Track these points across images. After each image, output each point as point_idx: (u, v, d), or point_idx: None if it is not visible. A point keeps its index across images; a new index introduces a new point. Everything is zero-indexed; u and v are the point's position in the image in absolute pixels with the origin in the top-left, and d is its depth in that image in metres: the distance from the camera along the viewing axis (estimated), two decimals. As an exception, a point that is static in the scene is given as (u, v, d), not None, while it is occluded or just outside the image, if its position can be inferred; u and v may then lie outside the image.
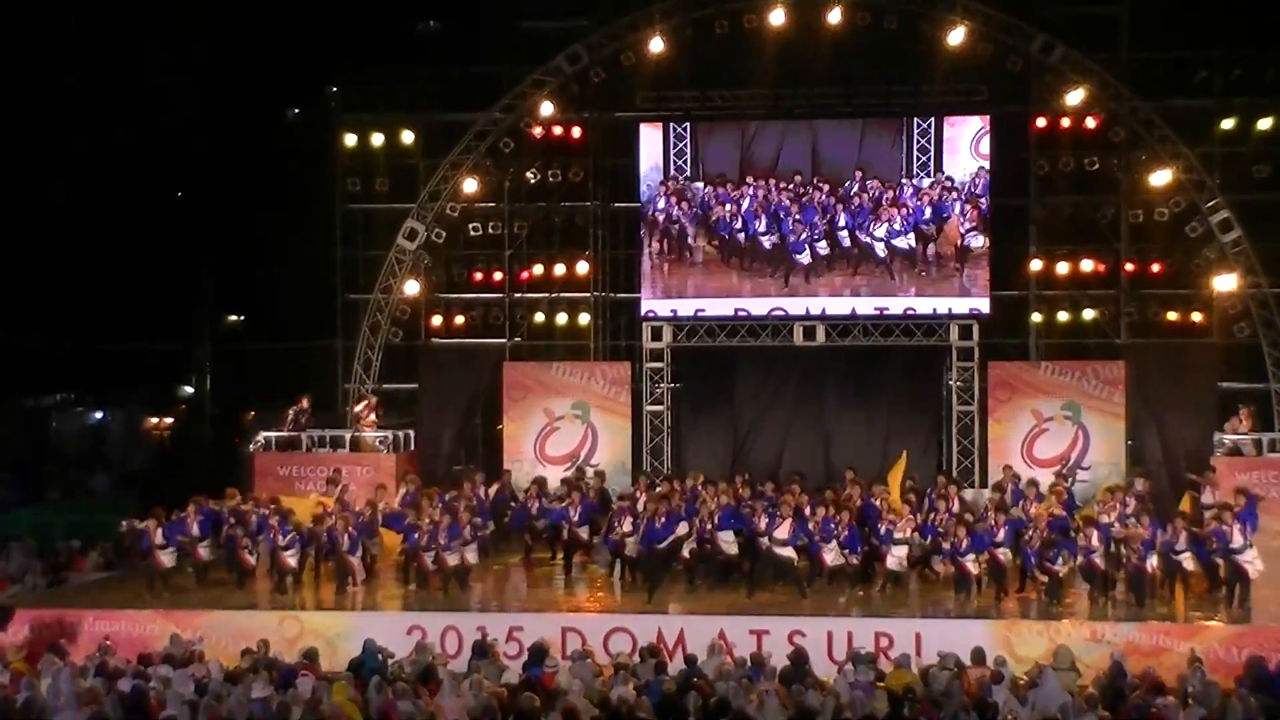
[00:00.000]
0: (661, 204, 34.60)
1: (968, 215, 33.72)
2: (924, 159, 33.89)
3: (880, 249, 33.95)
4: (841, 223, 33.96)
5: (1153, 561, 25.27)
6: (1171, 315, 34.23)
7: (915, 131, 33.91)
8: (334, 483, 30.75)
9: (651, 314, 34.99)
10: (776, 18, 32.63)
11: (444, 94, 35.57)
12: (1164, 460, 32.73)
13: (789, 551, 26.52)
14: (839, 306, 34.22)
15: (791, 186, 34.16)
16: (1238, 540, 25.14)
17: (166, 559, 27.22)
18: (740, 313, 34.55)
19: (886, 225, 33.83)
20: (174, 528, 27.42)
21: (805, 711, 17.99)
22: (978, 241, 33.82)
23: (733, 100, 35.29)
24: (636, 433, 34.97)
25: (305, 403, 33.91)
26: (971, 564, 25.78)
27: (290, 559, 27.28)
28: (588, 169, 35.80)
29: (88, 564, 31.18)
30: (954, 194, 33.75)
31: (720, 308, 34.69)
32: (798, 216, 34.02)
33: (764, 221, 34.15)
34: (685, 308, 34.80)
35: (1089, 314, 34.63)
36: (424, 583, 27.05)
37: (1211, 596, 25.53)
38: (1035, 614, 24.55)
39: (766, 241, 34.26)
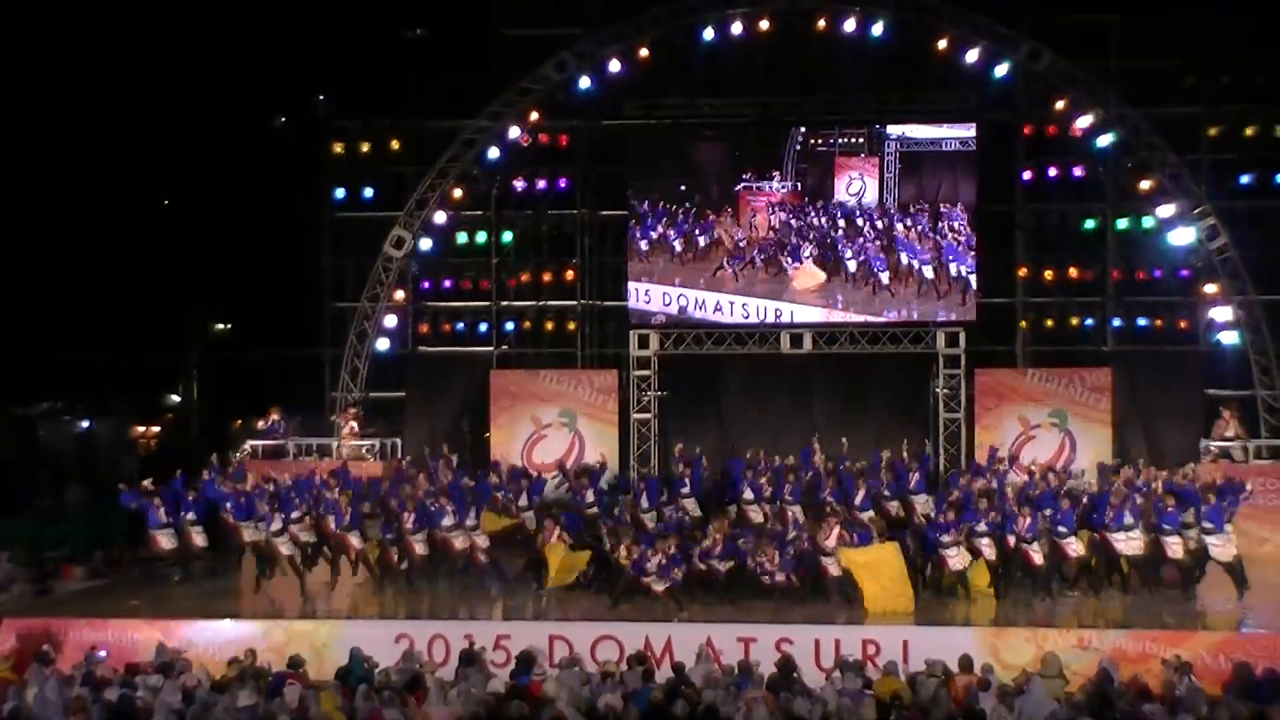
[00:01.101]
0: (654, 220, 34.67)
1: (925, 241, 33.86)
2: (890, 179, 34.09)
3: (853, 266, 34.05)
4: (831, 239, 34.12)
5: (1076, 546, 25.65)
6: (1158, 322, 34.33)
7: (887, 157, 34.08)
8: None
9: (639, 306, 34.83)
10: (765, 26, 32.71)
11: (432, 102, 35.52)
12: (1151, 466, 32.73)
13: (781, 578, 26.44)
14: (825, 314, 34.28)
15: (779, 202, 34.30)
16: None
17: (165, 540, 27.68)
18: (723, 306, 34.45)
19: (854, 245, 34.02)
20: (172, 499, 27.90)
21: (793, 719, 18.00)
22: (930, 272, 33.88)
23: (721, 109, 35.29)
24: (624, 440, 34.96)
25: (276, 414, 33.86)
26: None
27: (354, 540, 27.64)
28: (575, 177, 35.90)
29: (75, 573, 31.13)
30: (917, 218, 33.91)
31: (708, 299, 34.59)
32: (784, 231, 34.20)
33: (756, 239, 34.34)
34: (672, 296, 34.67)
35: (1076, 321, 34.69)
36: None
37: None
38: (1023, 620, 24.53)
39: (753, 252, 34.33)
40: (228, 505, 28.00)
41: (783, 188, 34.30)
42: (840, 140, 34.27)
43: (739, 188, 34.39)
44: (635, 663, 21.24)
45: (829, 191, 34.13)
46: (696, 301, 34.56)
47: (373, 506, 28.39)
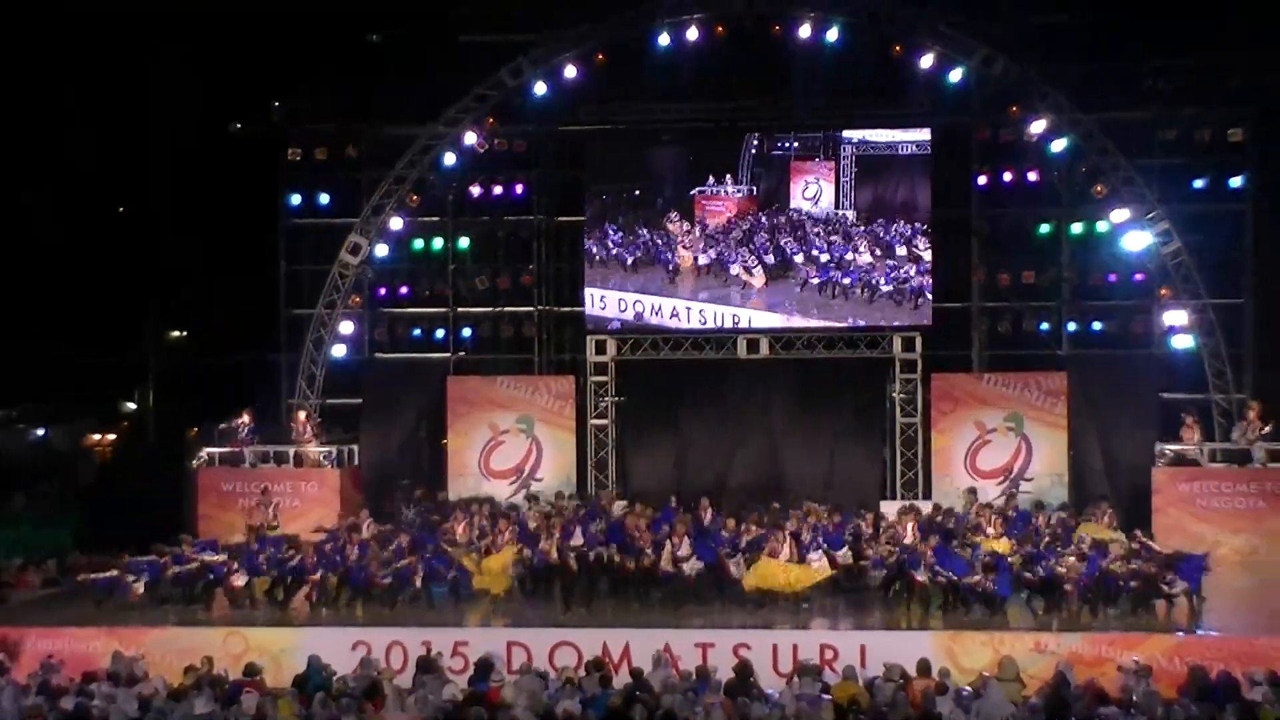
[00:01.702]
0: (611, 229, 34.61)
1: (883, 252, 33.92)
2: (847, 184, 34.08)
3: (811, 272, 34.00)
4: (784, 245, 34.05)
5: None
6: (1113, 327, 34.47)
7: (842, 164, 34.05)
8: (264, 504, 30.70)
9: (596, 312, 34.69)
10: (720, 32, 32.75)
11: (388, 107, 35.47)
12: (1106, 471, 32.91)
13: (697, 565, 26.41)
14: (784, 320, 34.25)
15: (735, 207, 34.28)
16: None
17: (139, 588, 26.95)
18: (680, 312, 34.42)
19: (812, 251, 34.02)
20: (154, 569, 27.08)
21: (751, 723, 18.05)
22: (885, 285, 33.88)
23: (676, 114, 35.29)
24: (581, 446, 34.94)
25: (247, 417, 33.75)
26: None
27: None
28: (531, 182, 35.90)
29: (30, 581, 30.94)
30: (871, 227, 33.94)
31: (664, 304, 34.52)
32: (740, 238, 34.16)
33: (705, 243, 34.28)
34: (628, 302, 34.58)
35: (1031, 325, 34.82)
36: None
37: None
38: (980, 625, 24.56)
39: (704, 259, 34.28)
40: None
41: (738, 192, 34.28)
42: (796, 145, 34.25)
43: (694, 192, 34.35)
44: (593, 669, 21.22)
45: (786, 196, 34.13)
46: (653, 307, 34.52)
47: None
